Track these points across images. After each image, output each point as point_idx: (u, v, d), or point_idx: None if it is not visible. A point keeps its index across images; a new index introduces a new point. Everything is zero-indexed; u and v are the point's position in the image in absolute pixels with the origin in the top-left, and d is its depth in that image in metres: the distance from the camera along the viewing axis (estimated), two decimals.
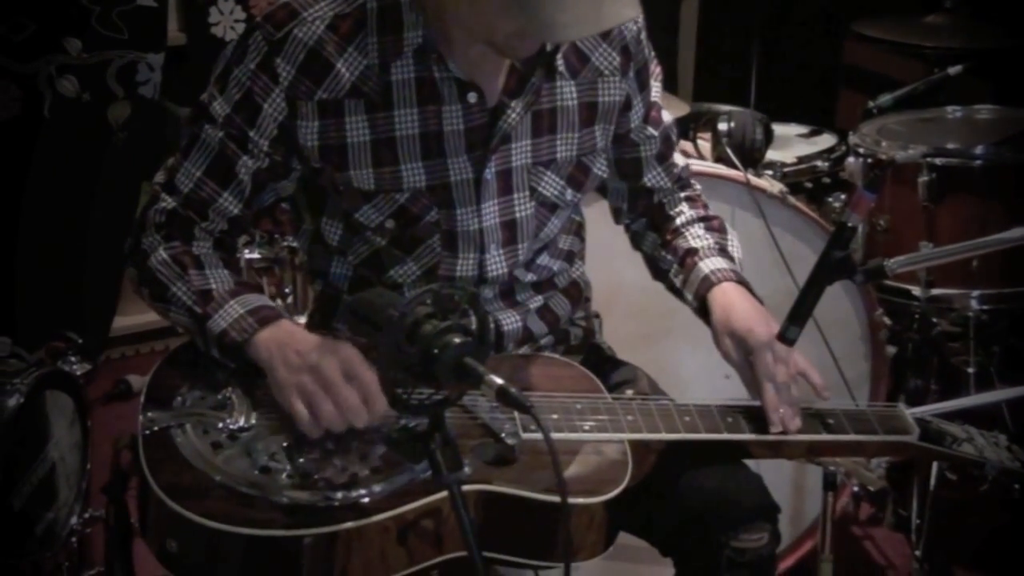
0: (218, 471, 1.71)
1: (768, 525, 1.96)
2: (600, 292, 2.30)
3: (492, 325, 2.04)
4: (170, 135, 3.68)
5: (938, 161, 2.98)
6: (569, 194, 2.07)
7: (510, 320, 2.07)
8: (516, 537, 1.76)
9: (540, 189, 2.03)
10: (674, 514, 1.97)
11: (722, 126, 3.09)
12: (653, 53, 2.12)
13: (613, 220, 2.27)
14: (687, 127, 3.31)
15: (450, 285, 1.95)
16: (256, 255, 3.32)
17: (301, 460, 1.75)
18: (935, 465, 2.88)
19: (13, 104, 3.47)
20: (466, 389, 1.64)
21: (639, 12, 1.89)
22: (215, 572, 1.69)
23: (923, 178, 2.98)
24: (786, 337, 1.94)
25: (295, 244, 3.21)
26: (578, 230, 2.20)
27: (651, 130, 2.15)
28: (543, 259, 2.11)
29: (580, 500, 1.74)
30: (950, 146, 3.03)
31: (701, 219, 2.19)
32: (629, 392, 2.04)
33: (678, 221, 2.19)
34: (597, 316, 2.28)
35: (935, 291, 3.03)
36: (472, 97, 1.93)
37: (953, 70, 3.43)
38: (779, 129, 3.41)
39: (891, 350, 3.00)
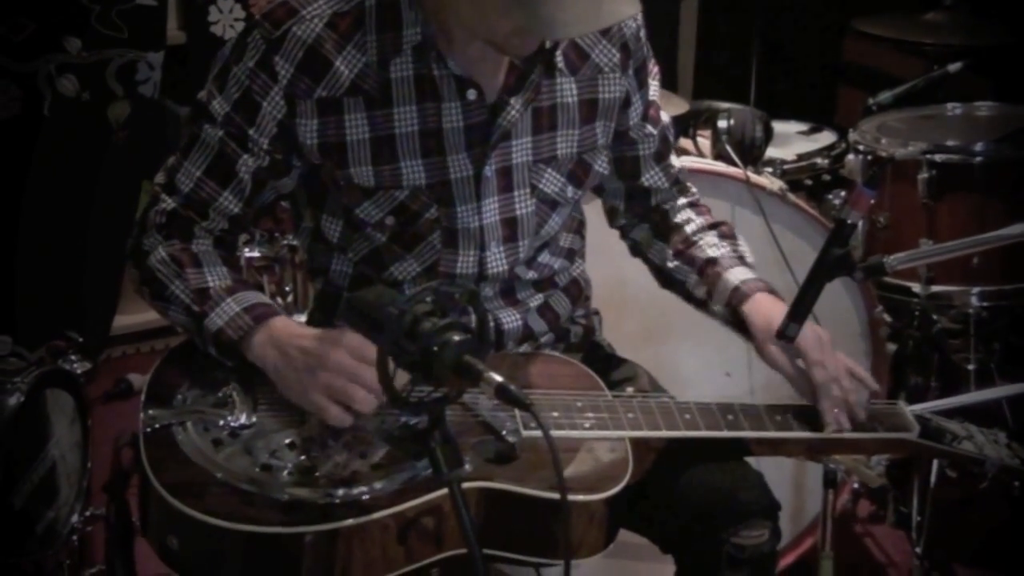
0: (219, 468, 1.72)
1: (768, 522, 1.96)
2: (601, 290, 2.30)
3: (492, 323, 2.04)
4: (170, 134, 3.68)
5: (938, 158, 2.98)
6: (570, 191, 2.07)
7: (510, 318, 2.07)
8: (516, 535, 1.76)
9: (541, 186, 2.03)
10: (675, 511, 1.97)
11: (722, 123, 3.09)
12: (651, 52, 2.13)
13: (608, 222, 2.27)
14: (687, 125, 3.31)
15: (450, 283, 1.95)
16: (256, 253, 3.32)
17: (302, 457, 1.75)
18: (935, 462, 2.88)
19: (13, 103, 3.47)
20: (466, 387, 1.64)
21: (638, 9, 1.89)
22: (216, 569, 1.70)
23: (923, 175, 2.98)
24: (786, 334, 1.94)
25: (295, 242, 3.21)
26: (579, 228, 2.20)
27: (650, 128, 2.15)
28: (544, 257, 2.11)
29: (580, 497, 1.74)
30: (950, 143, 3.03)
31: (711, 226, 2.18)
32: (629, 390, 2.04)
33: (688, 230, 2.18)
34: (597, 314, 2.28)
35: (935, 288, 3.03)
36: (471, 94, 1.93)
37: (953, 67, 3.43)
38: (779, 126, 3.41)
39: (891, 347, 3.00)
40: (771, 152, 3.26)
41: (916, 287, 3.04)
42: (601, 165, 2.10)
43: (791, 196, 2.87)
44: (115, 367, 3.95)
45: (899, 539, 3.12)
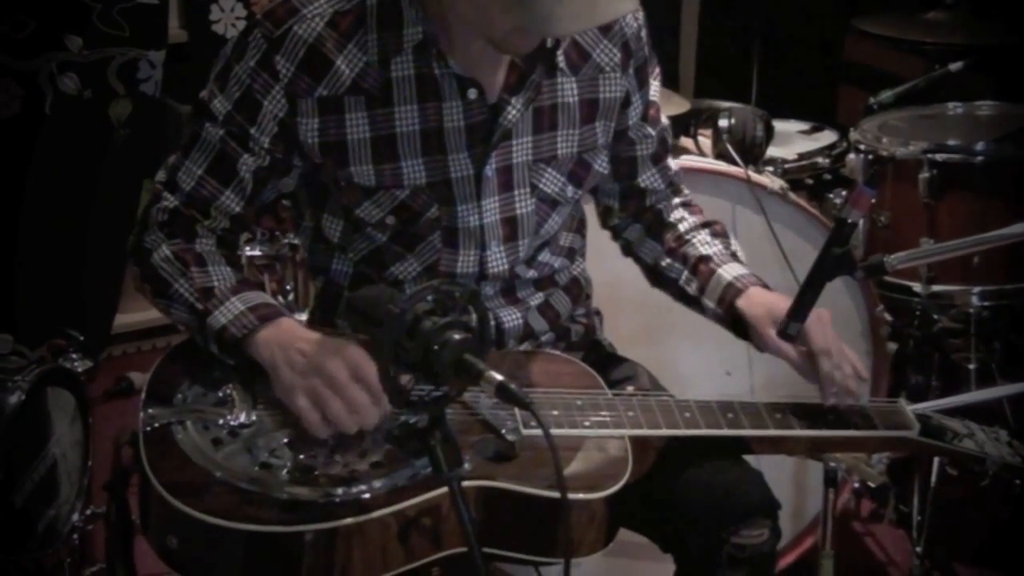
0: (219, 467, 1.72)
1: (768, 521, 1.96)
2: (601, 289, 2.30)
3: (493, 322, 2.04)
4: (171, 132, 3.68)
5: (939, 157, 2.98)
6: (570, 191, 2.07)
7: (511, 317, 2.07)
8: (516, 533, 1.76)
9: (541, 186, 2.03)
10: (674, 510, 1.97)
11: (723, 122, 3.09)
12: (653, 52, 2.12)
13: (600, 223, 2.27)
14: (688, 124, 3.31)
15: (451, 282, 1.95)
16: (258, 252, 3.33)
17: (301, 456, 1.75)
18: (936, 461, 2.89)
19: (14, 102, 3.47)
20: (466, 385, 1.64)
21: (637, 6, 1.90)
22: (216, 568, 1.69)
23: (924, 174, 2.97)
24: (786, 333, 1.94)
25: (296, 241, 3.21)
26: (579, 227, 2.20)
27: (649, 129, 2.15)
28: (544, 256, 2.11)
29: (580, 496, 1.74)
30: (951, 142, 3.03)
31: (704, 225, 2.19)
32: (630, 388, 2.04)
33: (681, 228, 2.18)
34: (598, 313, 2.29)
35: (936, 287, 3.03)
36: (472, 93, 1.93)
37: (954, 66, 3.43)
38: (780, 125, 3.41)
39: (892, 347, 3.00)
40: (772, 151, 3.26)
41: (917, 286, 3.04)
42: (601, 165, 2.10)
43: (792, 195, 2.87)
44: (116, 365, 3.95)
45: (900, 538, 3.13)
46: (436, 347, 1.58)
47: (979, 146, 3.01)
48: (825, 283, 1.94)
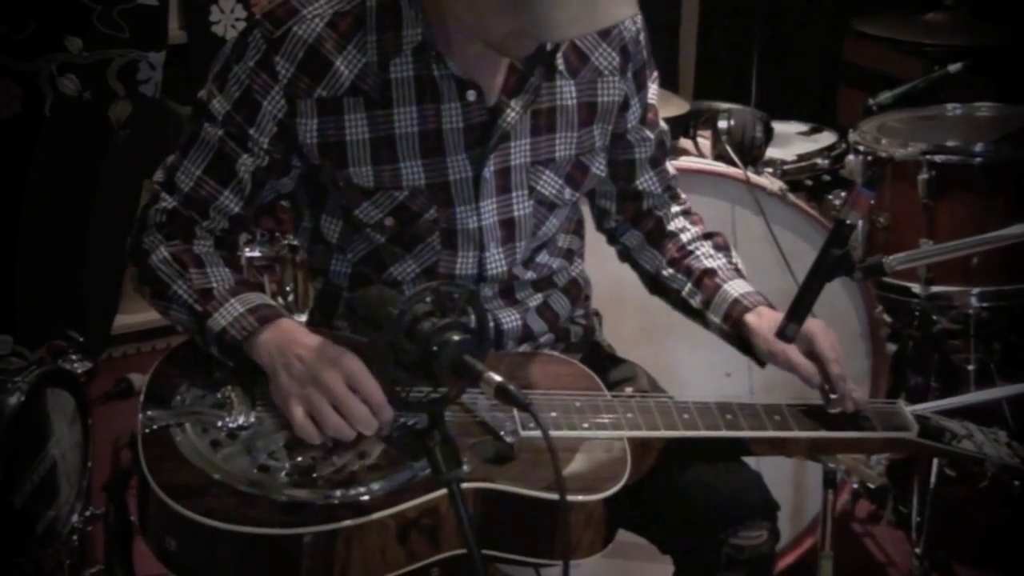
0: (217, 469, 1.72)
1: (767, 523, 1.96)
2: (600, 290, 2.30)
3: (492, 323, 2.04)
4: (171, 134, 3.68)
5: (938, 158, 2.98)
6: (567, 193, 2.07)
7: (510, 318, 2.07)
8: (515, 535, 1.76)
9: (538, 188, 2.03)
10: (673, 511, 1.97)
11: (722, 124, 3.10)
12: (651, 56, 2.13)
13: (595, 225, 2.27)
14: (687, 125, 3.31)
15: (449, 283, 1.95)
16: (257, 253, 3.33)
17: (300, 458, 1.75)
18: (935, 462, 2.89)
19: (14, 103, 3.47)
20: (465, 387, 1.65)
21: (636, 11, 1.89)
22: (214, 570, 1.69)
23: (923, 176, 2.97)
24: (785, 334, 1.94)
25: (296, 242, 3.21)
26: (577, 228, 2.20)
27: (647, 132, 2.15)
28: (542, 257, 2.11)
29: (579, 497, 1.74)
30: (950, 143, 3.03)
31: (706, 236, 2.19)
32: (628, 390, 2.04)
33: (683, 238, 2.19)
34: (597, 314, 2.29)
35: (935, 288, 3.03)
36: (471, 95, 1.93)
37: (953, 68, 3.43)
38: (779, 127, 3.41)
39: (891, 348, 3.00)
40: (771, 152, 3.26)
41: (916, 287, 3.04)
42: (598, 168, 2.10)
43: (791, 196, 2.88)
44: (116, 367, 3.95)
45: (899, 539, 3.13)
46: (435, 348, 1.58)
47: (978, 147, 3.00)
48: (824, 284, 1.93)
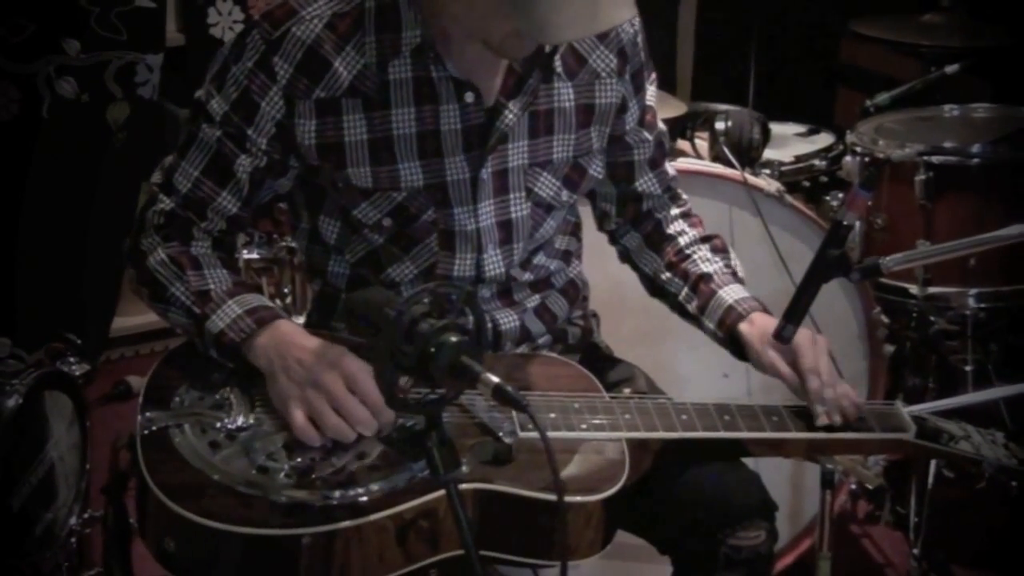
0: (216, 471, 1.72)
1: (765, 523, 1.96)
2: (598, 291, 2.30)
3: (489, 324, 2.05)
4: (169, 136, 3.68)
5: (935, 160, 2.98)
6: (565, 195, 2.07)
7: (508, 319, 2.07)
8: (514, 536, 1.76)
9: (536, 190, 2.03)
10: (671, 512, 1.97)
11: (719, 125, 3.10)
12: (649, 57, 2.13)
13: (596, 226, 2.27)
14: (685, 126, 3.32)
15: (447, 284, 1.96)
16: (255, 255, 3.33)
17: (299, 459, 1.75)
18: (933, 463, 2.89)
19: (12, 105, 3.47)
20: (463, 388, 1.65)
21: (635, 13, 1.90)
22: (213, 571, 1.69)
23: (920, 177, 2.97)
24: (782, 336, 1.94)
25: (294, 244, 3.21)
26: (575, 230, 2.20)
27: (646, 134, 2.15)
28: (540, 259, 2.11)
29: (577, 498, 1.75)
30: (947, 145, 3.03)
31: (704, 239, 2.19)
32: (627, 391, 2.04)
33: (681, 241, 2.19)
34: (595, 315, 2.29)
35: (932, 289, 3.03)
36: (469, 97, 1.93)
37: (950, 69, 3.43)
38: (776, 128, 3.42)
39: (889, 348, 3.00)
40: (769, 154, 3.27)
41: (913, 288, 3.04)
42: (596, 169, 2.10)
43: (788, 198, 2.88)
44: (114, 369, 3.95)
45: (897, 540, 3.13)
46: (433, 349, 1.58)
47: (975, 148, 3.01)
48: (821, 285, 1.94)
